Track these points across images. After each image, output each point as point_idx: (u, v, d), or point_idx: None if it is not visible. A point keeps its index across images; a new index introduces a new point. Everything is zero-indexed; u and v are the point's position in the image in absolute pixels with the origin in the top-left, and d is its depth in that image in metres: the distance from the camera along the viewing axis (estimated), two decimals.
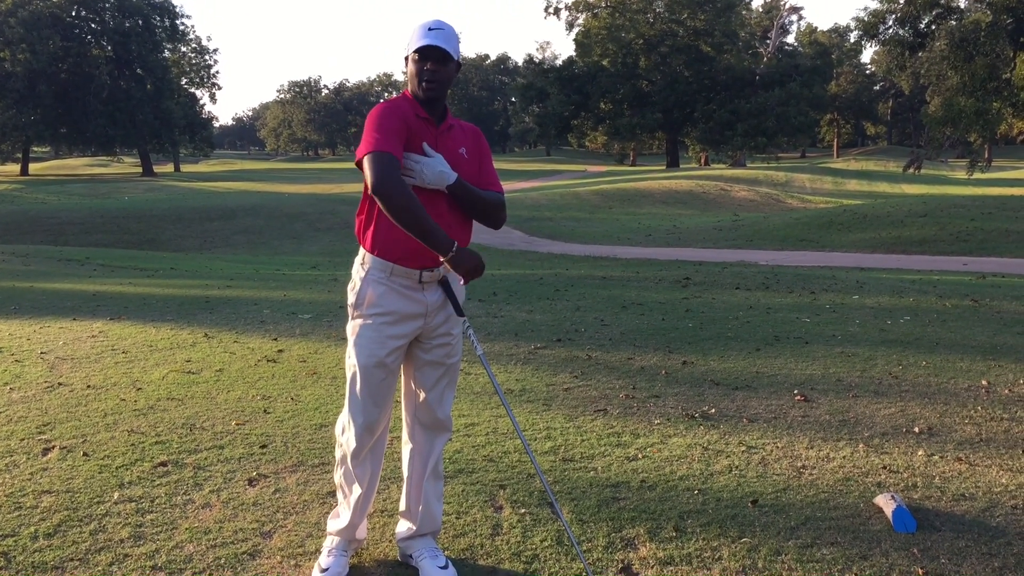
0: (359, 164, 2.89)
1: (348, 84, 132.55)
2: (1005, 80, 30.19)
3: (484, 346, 6.83)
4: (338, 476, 3.24)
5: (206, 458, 4.31)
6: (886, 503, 3.62)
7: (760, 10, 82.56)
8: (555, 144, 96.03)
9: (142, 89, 63.68)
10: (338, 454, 3.23)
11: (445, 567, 3.11)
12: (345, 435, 3.16)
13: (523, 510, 3.67)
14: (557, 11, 67.34)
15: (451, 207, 3.02)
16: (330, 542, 3.23)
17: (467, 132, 3.16)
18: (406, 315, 3.02)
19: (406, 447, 3.28)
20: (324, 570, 3.10)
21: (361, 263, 3.07)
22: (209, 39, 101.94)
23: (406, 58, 2.99)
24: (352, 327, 3.08)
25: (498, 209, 3.12)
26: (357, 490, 3.18)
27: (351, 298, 3.08)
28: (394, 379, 3.10)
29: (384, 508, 3.72)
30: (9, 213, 31.28)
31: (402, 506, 3.31)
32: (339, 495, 3.26)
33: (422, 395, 3.17)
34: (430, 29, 2.94)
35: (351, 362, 3.07)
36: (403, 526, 3.30)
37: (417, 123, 2.98)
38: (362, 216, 3.06)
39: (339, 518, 3.24)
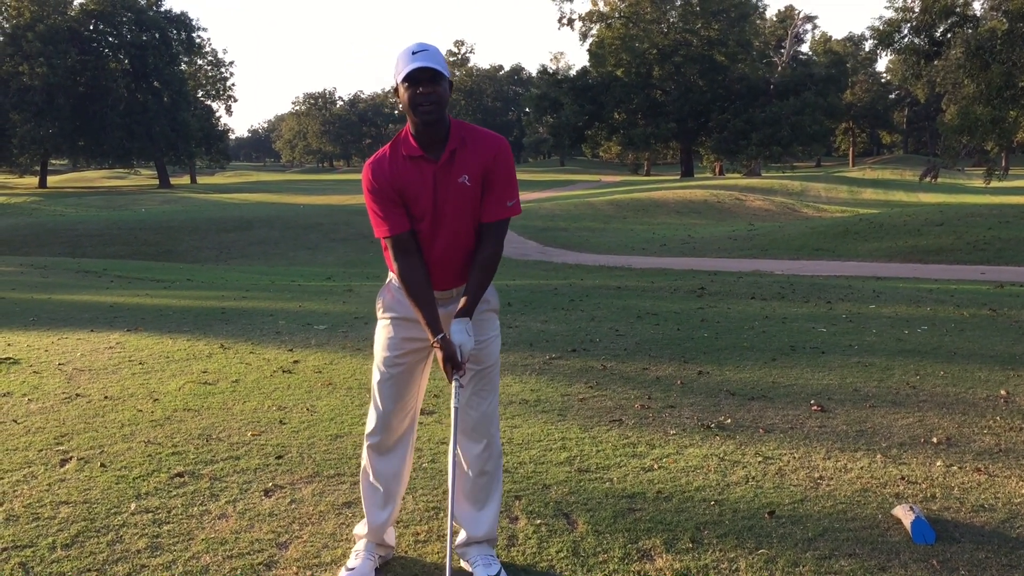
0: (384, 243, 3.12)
1: (363, 96, 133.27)
2: (1022, 88, 29.99)
3: (499, 356, 6.82)
4: (361, 476, 3.36)
5: (222, 469, 4.33)
6: (905, 514, 3.59)
7: (774, 19, 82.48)
8: (569, 154, 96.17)
9: (159, 102, 64.17)
10: (362, 457, 3.34)
11: None
12: (367, 426, 3.30)
13: (539, 521, 3.67)
14: (571, 21, 67.47)
15: (450, 250, 3.08)
16: (358, 545, 3.32)
17: (479, 150, 3.02)
18: (417, 320, 3.12)
19: (451, 452, 3.34)
20: (351, 570, 3.17)
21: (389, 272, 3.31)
22: (225, 52, 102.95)
23: (396, 88, 2.96)
24: (376, 327, 3.30)
25: (493, 270, 3.13)
26: (371, 485, 3.29)
27: (377, 301, 3.29)
28: (409, 379, 3.22)
29: (399, 519, 3.72)
30: (28, 225, 31.55)
31: (455, 514, 3.35)
32: (362, 499, 3.36)
33: (460, 394, 3.22)
34: (414, 53, 2.89)
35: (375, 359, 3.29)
36: (460, 534, 3.35)
37: (410, 169, 2.98)
38: (387, 252, 3.17)
39: (363, 520, 3.35)
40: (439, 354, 3.03)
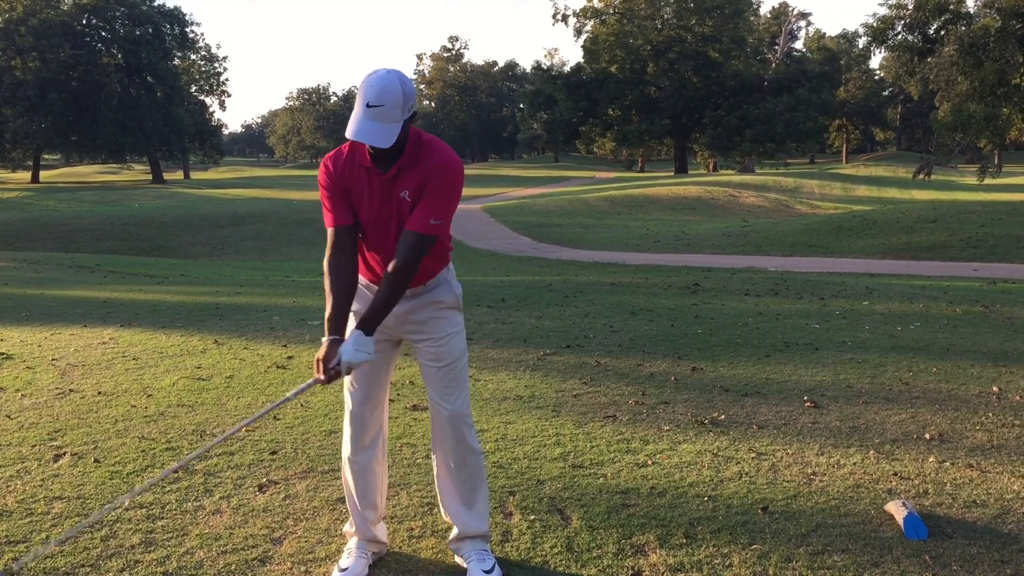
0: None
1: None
2: (1015, 86, 30.07)
3: (494, 352, 6.83)
4: (343, 479, 3.37)
5: (216, 464, 4.33)
6: (897, 510, 3.61)
7: (768, 16, 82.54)
8: (563, 150, 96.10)
9: (152, 97, 63.88)
10: (342, 454, 3.37)
11: (490, 571, 3.15)
12: (343, 425, 3.33)
13: (532, 516, 3.68)
14: (565, 17, 67.34)
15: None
16: (350, 543, 3.31)
17: (424, 168, 2.98)
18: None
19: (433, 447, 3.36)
20: (343, 570, 3.17)
21: None
22: (219, 47, 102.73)
23: None
24: None
25: (401, 284, 3.00)
26: (350, 481, 3.30)
27: None
28: (375, 374, 3.23)
29: (394, 515, 3.72)
30: (20, 220, 31.44)
31: (444, 510, 3.39)
32: (347, 501, 3.36)
33: (429, 391, 3.28)
34: (368, 106, 2.84)
35: None
36: (453, 530, 3.36)
37: (361, 177, 3.04)
38: None
39: (351, 519, 3.35)
40: (320, 351, 2.99)
